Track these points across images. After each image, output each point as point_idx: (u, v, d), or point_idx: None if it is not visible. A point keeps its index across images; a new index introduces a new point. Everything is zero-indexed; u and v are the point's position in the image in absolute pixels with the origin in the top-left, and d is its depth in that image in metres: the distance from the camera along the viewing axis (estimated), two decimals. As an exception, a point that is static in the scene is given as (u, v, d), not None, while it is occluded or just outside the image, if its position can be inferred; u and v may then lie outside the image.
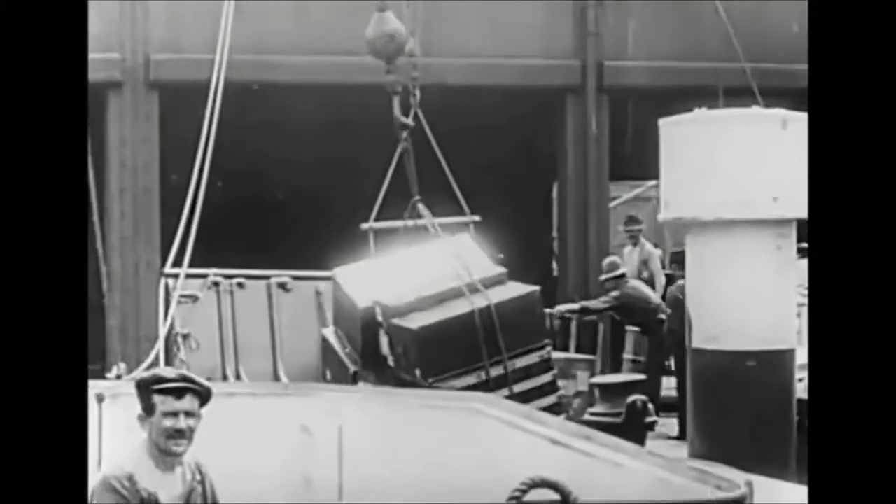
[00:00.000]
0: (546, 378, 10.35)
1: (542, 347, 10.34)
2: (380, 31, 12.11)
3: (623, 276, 14.97)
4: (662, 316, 14.38)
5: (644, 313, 14.60)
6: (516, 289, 10.59)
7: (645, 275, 16.73)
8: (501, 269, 10.88)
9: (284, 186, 18.35)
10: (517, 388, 10.13)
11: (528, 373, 10.26)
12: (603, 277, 15.15)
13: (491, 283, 10.58)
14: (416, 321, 10.20)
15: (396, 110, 12.38)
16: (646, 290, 15.16)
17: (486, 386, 9.90)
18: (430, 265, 10.96)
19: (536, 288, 10.58)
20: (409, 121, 12.39)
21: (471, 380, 10.07)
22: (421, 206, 12.10)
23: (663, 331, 14.30)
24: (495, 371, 10.10)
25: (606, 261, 15.60)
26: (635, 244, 17.04)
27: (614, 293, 14.72)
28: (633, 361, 15.51)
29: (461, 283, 10.49)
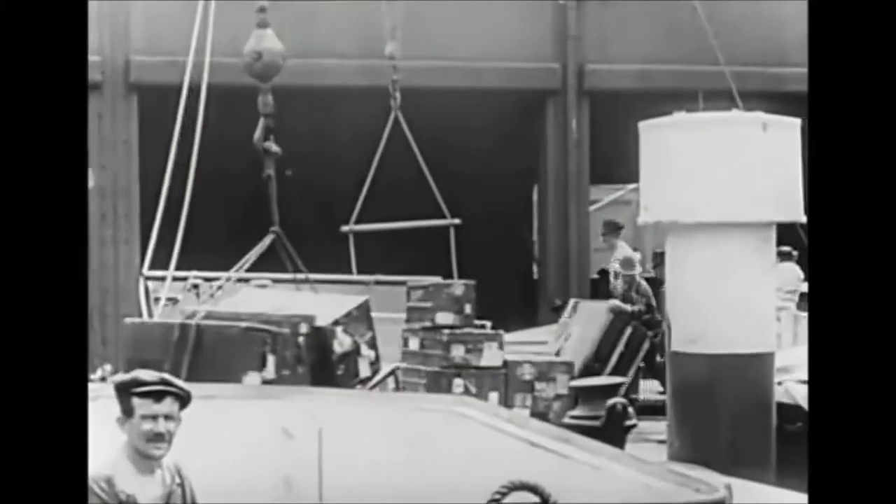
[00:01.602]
0: None
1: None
2: (249, 49, 11.91)
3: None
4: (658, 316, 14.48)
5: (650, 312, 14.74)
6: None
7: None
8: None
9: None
10: None
11: None
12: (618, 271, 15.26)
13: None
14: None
15: (258, 134, 12.07)
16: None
17: None
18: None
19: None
20: (276, 148, 12.08)
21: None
22: (283, 241, 11.77)
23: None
24: None
25: (623, 256, 15.70)
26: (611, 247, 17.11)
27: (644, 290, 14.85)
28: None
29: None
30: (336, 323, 9.88)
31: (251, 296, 10.70)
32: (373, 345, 10.20)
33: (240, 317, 9.75)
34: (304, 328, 9.63)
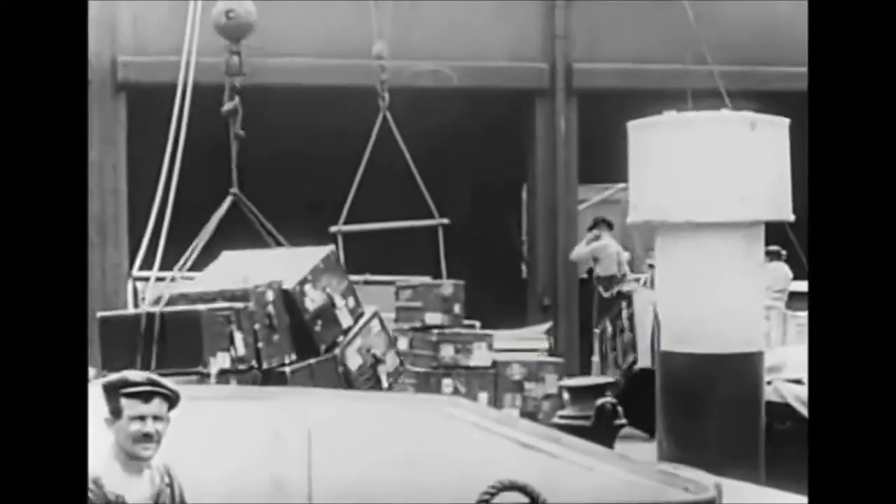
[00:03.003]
0: None
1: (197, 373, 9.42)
2: (219, 8, 11.75)
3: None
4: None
5: None
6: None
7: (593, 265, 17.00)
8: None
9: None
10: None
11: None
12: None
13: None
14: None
15: (225, 97, 11.92)
16: None
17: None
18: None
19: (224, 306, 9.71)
20: (233, 105, 11.89)
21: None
22: (245, 203, 11.56)
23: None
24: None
25: (595, 246, 15.84)
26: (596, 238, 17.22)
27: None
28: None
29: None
30: (303, 282, 9.80)
31: (220, 266, 10.55)
32: (348, 293, 10.09)
33: (206, 296, 9.67)
34: (270, 296, 9.57)
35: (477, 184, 20.23)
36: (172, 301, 9.62)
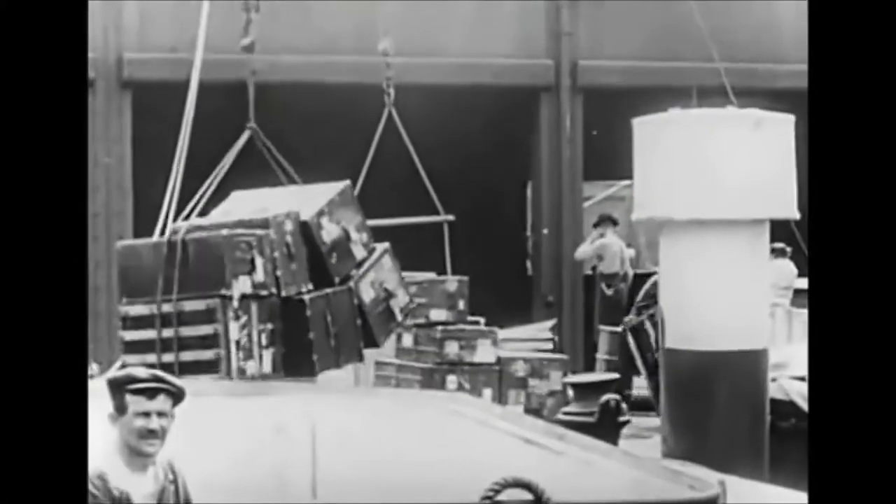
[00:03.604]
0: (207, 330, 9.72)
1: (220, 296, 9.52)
2: None
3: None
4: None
5: None
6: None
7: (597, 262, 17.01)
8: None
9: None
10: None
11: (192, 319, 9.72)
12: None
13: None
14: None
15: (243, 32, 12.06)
16: None
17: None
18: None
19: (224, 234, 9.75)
20: (251, 39, 12.00)
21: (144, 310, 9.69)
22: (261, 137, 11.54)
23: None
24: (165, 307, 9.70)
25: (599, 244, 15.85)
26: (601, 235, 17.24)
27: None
28: (608, 361, 15.57)
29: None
30: (320, 214, 9.93)
31: (233, 204, 10.67)
32: (362, 228, 10.24)
33: (224, 226, 9.80)
34: (289, 225, 9.70)
35: (482, 180, 20.22)
36: (191, 231, 9.73)
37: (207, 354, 9.30)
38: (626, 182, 17.17)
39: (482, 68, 17.31)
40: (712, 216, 9.88)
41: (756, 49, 17.77)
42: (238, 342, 9.32)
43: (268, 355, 9.40)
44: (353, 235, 10.09)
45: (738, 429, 9.82)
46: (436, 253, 14.50)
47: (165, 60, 15.44)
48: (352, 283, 9.94)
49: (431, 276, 13.38)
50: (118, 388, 5.31)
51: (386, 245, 10.44)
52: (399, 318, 10.31)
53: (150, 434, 5.25)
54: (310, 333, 9.57)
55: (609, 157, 15.95)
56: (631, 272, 17.35)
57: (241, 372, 9.25)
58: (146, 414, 5.25)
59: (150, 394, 5.28)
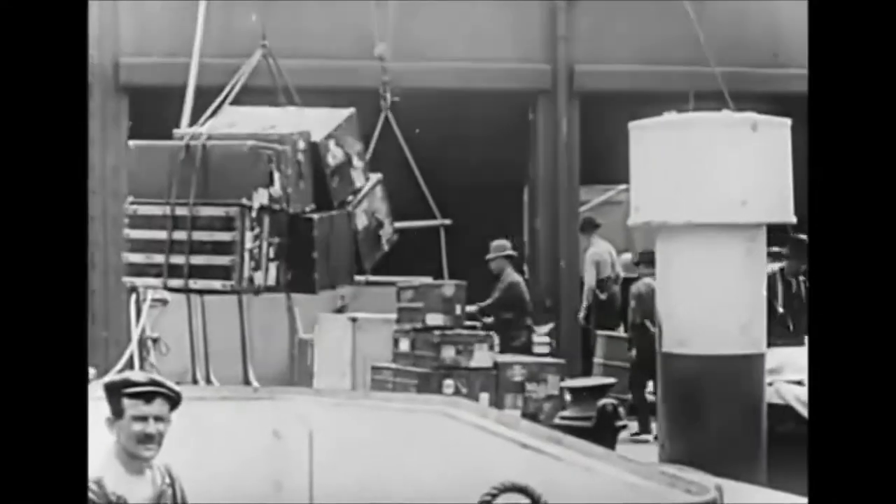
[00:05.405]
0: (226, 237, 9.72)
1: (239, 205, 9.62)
2: None
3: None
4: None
5: None
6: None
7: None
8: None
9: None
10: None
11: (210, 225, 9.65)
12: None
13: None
14: None
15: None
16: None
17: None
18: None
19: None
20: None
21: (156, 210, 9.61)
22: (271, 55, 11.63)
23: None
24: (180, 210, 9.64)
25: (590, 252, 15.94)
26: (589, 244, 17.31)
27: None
28: (605, 366, 15.59)
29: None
30: (329, 136, 10.04)
31: (233, 118, 10.73)
32: (363, 156, 10.38)
33: (237, 137, 9.88)
34: (301, 144, 9.78)
35: (478, 184, 20.22)
36: (210, 139, 9.79)
37: (220, 260, 9.34)
38: (623, 186, 17.20)
39: (479, 72, 17.31)
40: (709, 220, 9.88)
41: (753, 53, 17.77)
42: (251, 251, 9.41)
43: (273, 268, 9.50)
44: (355, 162, 10.21)
45: (735, 433, 9.82)
46: (432, 257, 14.50)
47: (162, 65, 15.43)
48: (349, 209, 10.07)
49: (428, 280, 13.39)
50: (115, 391, 5.31)
51: (379, 175, 10.56)
52: (385, 247, 10.45)
53: (147, 438, 5.25)
54: (314, 252, 9.67)
55: (605, 162, 15.96)
56: (622, 274, 17.39)
57: (250, 281, 9.31)
58: (143, 418, 5.25)
59: (147, 398, 5.28)
